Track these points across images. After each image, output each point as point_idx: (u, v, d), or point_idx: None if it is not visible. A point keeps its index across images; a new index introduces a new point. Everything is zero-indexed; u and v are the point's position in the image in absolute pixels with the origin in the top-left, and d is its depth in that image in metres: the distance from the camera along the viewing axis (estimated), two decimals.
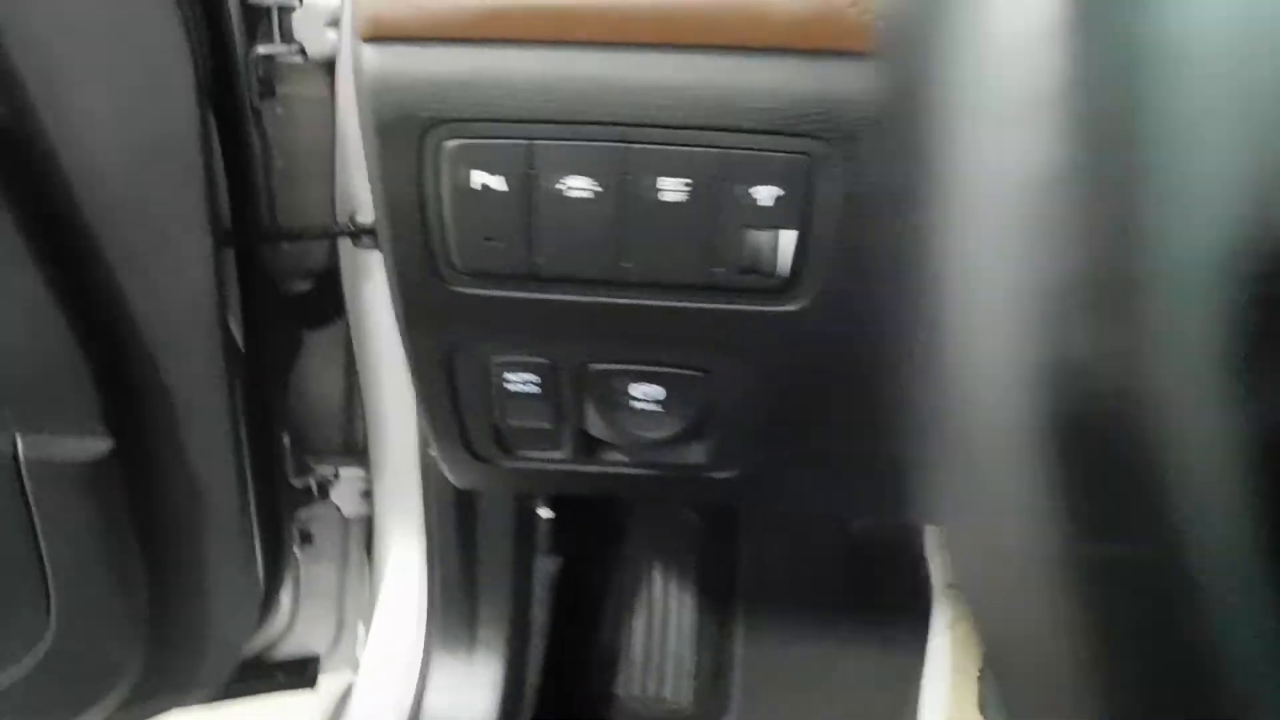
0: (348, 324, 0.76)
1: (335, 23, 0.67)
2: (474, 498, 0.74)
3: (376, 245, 0.70)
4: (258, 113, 0.68)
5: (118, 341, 0.62)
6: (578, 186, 0.40)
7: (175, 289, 0.62)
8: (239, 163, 0.67)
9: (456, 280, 0.43)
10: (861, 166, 0.38)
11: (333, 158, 0.70)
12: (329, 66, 0.69)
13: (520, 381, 0.47)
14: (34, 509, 0.61)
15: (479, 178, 0.40)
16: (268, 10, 0.66)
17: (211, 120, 0.62)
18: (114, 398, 0.62)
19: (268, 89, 0.68)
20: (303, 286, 0.75)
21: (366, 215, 0.69)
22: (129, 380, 0.63)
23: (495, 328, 0.45)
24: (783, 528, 0.95)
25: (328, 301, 0.76)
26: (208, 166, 0.60)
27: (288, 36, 0.67)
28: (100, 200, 0.58)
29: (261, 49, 0.66)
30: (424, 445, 0.73)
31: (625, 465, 0.52)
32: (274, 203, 0.71)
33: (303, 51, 0.67)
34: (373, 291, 0.74)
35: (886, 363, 0.47)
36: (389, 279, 0.46)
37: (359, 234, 0.69)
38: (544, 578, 0.78)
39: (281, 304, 0.74)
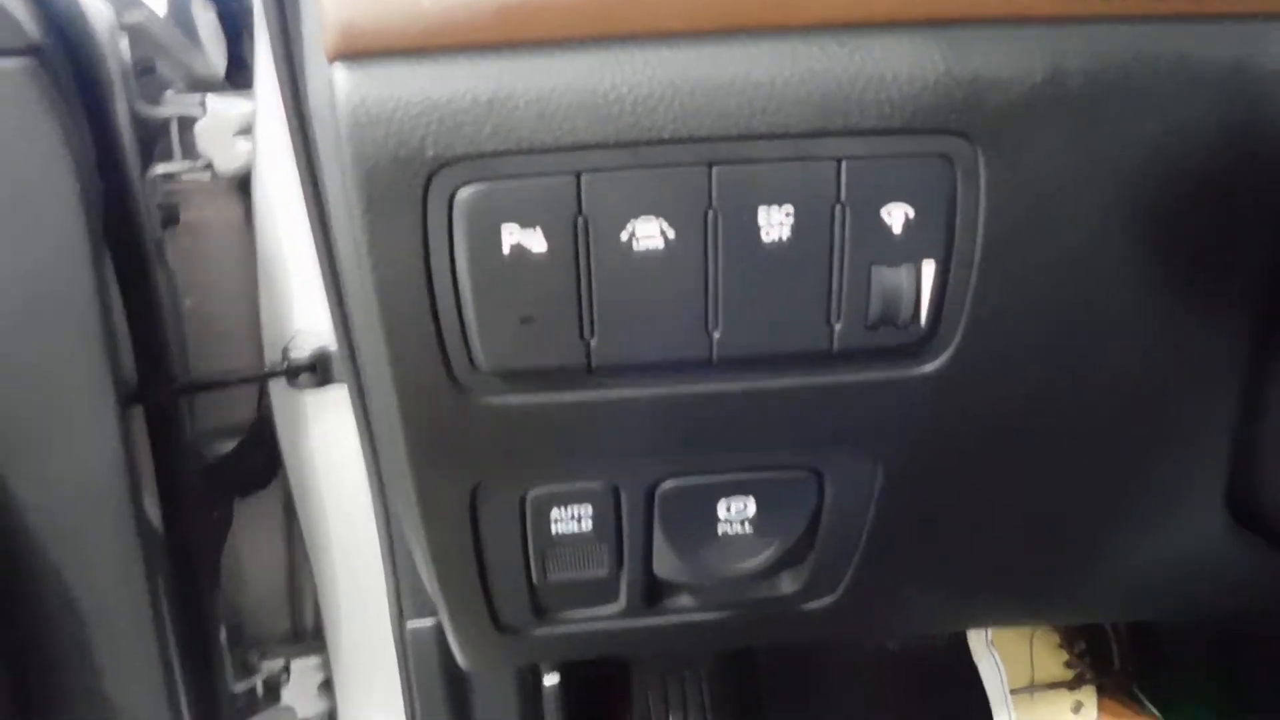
0: (286, 483, 0.64)
1: (246, 131, 0.57)
2: (467, 673, 0.61)
3: (316, 382, 0.59)
4: (160, 244, 0.57)
5: (4, 538, 0.48)
6: (645, 234, 0.30)
7: (75, 464, 0.50)
8: (142, 305, 0.55)
9: (482, 386, 0.32)
10: (1012, 167, 0.30)
11: (254, 287, 0.59)
12: (241, 182, 0.59)
13: (569, 519, 0.36)
14: None
15: (510, 235, 0.30)
16: (166, 123, 0.56)
17: (107, 257, 0.51)
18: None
19: (170, 215, 0.58)
20: (228, 446, 0.63)
21: (301, 349, 0.58)
22: (19, 589, 0.50)
23: (535, 449, 0.34)
24: (803, 662, 0.84)
25: (260, 460, 0.64)
26: (105, 312, 0.49)
27: (190, 152, 0.57)
28: None
29: (161, 167, 0.55)
30: (397, 616, 0.60)
31: (695, 611, 0.41)
32: (186, 348, 0.59)
33: (210, 167, 0.57)
34: (313, 440, 0.62)
35: (1049, 427, 0.39)
36: (370, 398, 0.34)
37: (295, 372, 0.58)
38: None
39: (205, 470, 0.61)
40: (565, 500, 0.36)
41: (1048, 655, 0.74)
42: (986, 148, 0.30)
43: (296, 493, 0.63)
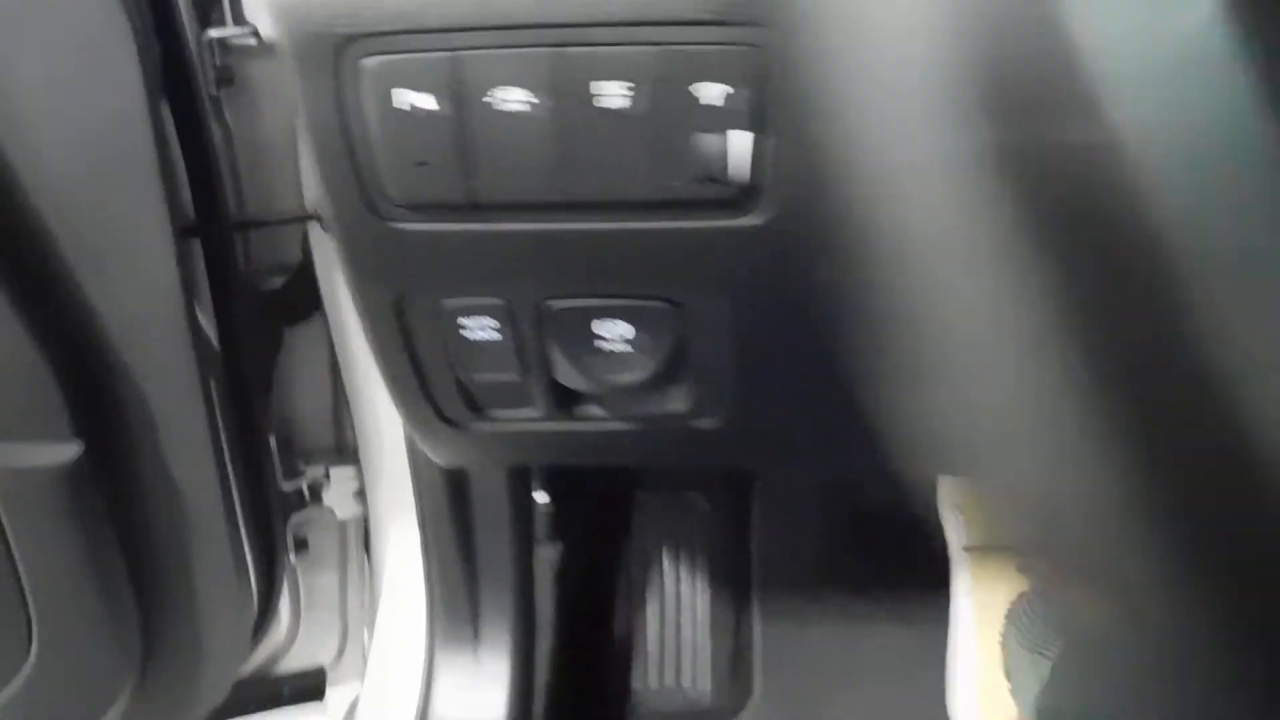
0: (326, 318, 0.73)
1: None
2: (466, 486, 0.71)
3: None
4: (217, 101, 0.66)
5: (81, 342, 0.59)
6: (512, 99, 0.37)
7: (138, 285, 0.59)
8: (200, 152, 0.64)
9: (394, 215, 0.41)
10: (809, 53, 0.36)
11: (298, 142, 0.68)
12: None
13: (477, 327, 0.45)
14: (4, 522, 0.58)
15: (404, 96, 0.38)
16: None
17: (165, 108, 0.59)
18: (82, 400, 0.59)
19: (226, 76, 0.66)
20: (278, 280, 0.73)
21: None
22: (97, 382, 0.60)
23: (442, 267, 0.43)
24: (794, 508, 0.92)
25: (305, 296, 0.73)
26: (163, 155, 0.57)
27: (240, 19, 0.64)
28: (49, 196, 0.56)
29: (214, 33, 0.63)
30: (408, 435, 0.70)
31: (604, 420, 0.49)
32: (241, 192, 0.68)
33: (256, 34, 0.65)
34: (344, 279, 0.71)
35: (868, 286, 0.44)
36: (329, 224, 0.43)
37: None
38: (546, 568, 0.75)
39: (258, 300, 0.71)
40: (472, 312, 0.44)
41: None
42: (790, 38, 0.35)
43: (333, 326, 0.73)
